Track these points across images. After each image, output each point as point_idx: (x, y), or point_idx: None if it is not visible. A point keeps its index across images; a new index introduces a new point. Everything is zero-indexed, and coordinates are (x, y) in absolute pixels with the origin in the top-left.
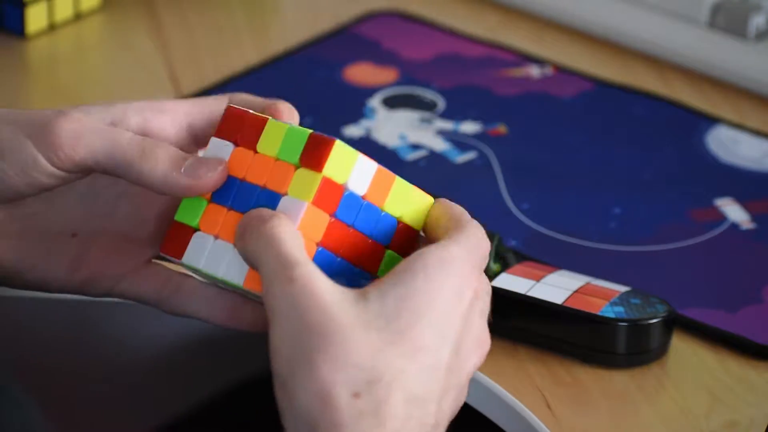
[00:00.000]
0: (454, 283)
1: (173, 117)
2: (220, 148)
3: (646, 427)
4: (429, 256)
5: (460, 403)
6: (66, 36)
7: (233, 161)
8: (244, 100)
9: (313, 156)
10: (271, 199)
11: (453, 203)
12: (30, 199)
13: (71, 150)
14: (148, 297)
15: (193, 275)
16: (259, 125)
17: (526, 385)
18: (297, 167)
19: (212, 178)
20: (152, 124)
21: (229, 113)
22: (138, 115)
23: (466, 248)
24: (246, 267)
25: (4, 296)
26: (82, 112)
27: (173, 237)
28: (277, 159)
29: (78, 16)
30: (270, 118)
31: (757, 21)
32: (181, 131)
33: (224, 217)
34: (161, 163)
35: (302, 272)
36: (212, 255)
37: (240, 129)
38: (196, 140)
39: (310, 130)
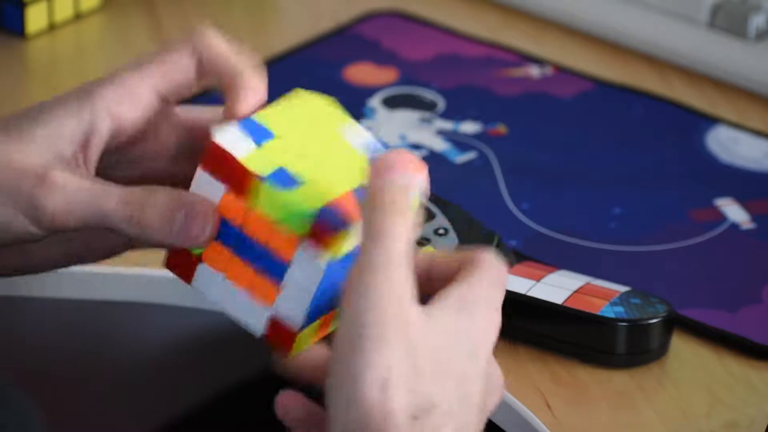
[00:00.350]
0: (490, 323)
1: (140, 100)
2: (208, 184)
3: (646, 427)
4: (479, 290)
5: None
6: (66, 36)
7: (225, 204)
8: (213, 52)
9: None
10: (275, 265)
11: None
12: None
13: (61, 223)
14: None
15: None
16: (243, 179)
17: (526, 385)
18: (301, 238)
19: (205, 238)
20: (122, 121)
21: (212, 149)
22: (106, 118)
23: (500, 288)
24: (264, 314)
25: (4, 296)
26: (52, 135)
27: (176, 255)
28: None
29: (78, 16)
30: (256, 176)
31: (757, 21)
32: (151, 108)
33: (228, 258)
34: (149, 227)
35: (398, 273)
36: (223, 292)
37: (225, 172)
38: (168, 102)
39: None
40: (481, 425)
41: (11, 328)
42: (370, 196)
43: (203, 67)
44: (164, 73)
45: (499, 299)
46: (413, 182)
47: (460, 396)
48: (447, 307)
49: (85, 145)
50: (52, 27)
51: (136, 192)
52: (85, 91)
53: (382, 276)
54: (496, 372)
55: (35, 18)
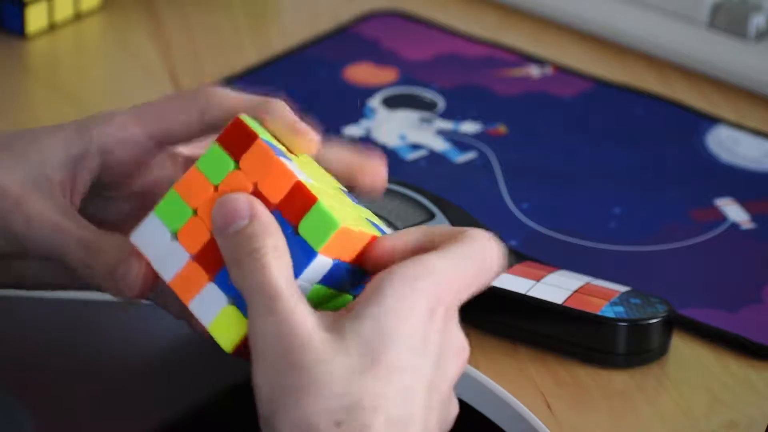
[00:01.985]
0: (426, 301)
1: (133, 141)
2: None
3: (646, 427)
4: (395, 273)
5: (451, 416)
6: (66, 36)
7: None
8: (224, 99)
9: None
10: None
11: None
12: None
13: (30, 249)
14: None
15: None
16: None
17: (526, 385)
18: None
19: (139, 286)
20: (113, 159)
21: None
22: (97, 154)
23: (452, 258)
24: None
25: (3, 296)
26: (42, 160)
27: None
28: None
29: (78, 16)
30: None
31: (757, 21)
32: (144, 150)
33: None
34: (97, 274)
35: (283, 306)
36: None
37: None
38: (163, 146)
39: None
40: (442, 404)
41: (10, 327)
42: (225, 258)
43: (206, 123)
44: (161, 119)
45: (466, 271)
46: (237, 223)
47: (395, 386)
48: (375, 294)
49: (73, 176)
50: (52, 27)
51: (92, 234)
52: (80, 125)
53: (270, 324)
54: (452, 339)
55: (35, 18)
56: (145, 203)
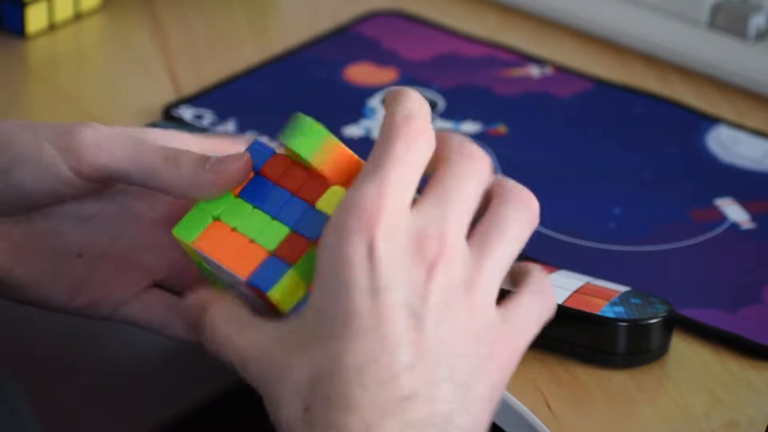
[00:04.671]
0: (342, 239)
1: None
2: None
3: (646, 427)
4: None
5: (504, 376)
6: (66, 36)
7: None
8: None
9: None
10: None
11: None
12: (41, 219)
13: (94, 157)
14: (148, 323)
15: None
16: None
17: (526, 385)
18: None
19: (238, 168)
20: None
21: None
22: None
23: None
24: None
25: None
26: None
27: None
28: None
29: (78, 16)
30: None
31: (757, 21)
32: None
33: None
34: (184, 166)
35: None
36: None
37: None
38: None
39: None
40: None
41: (9, 327)
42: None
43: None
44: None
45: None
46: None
47: (355, 342)
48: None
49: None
50: (52, 27)
51: (168, 149)
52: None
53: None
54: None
55: (35, 18)
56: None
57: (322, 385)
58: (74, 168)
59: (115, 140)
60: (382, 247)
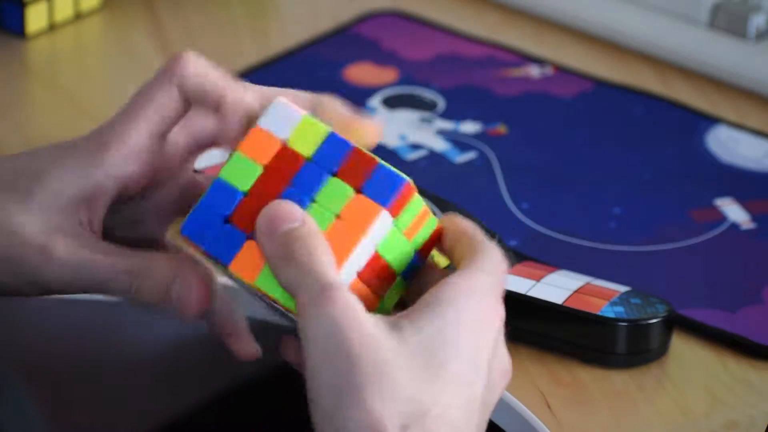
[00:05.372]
0: (484, 314)
1: (141, 152)
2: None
3: (646, 427)
4: (458, 286)
5: None
6: (66, 36)
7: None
8: (193, 80)
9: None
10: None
11: (462, 219)
12: None
13: (60, 291)
14: None
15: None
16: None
17: (526, 385)
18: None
19: (198, 310)
20: (128, 179)
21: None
22: (113, 178)
23: (492, 275)
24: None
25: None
26: (56, 197)
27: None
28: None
29: (78, 16)
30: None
31: (757, 21)
32: (151, 154)
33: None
34: (148, 299)
35: (341, 295)
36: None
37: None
38: (163, 137)
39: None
40: (484, 420)
41: (11, 327)
42: (271, 258)
43: (186, 94)
44: (153, 113)
45: (500, 288)
46: (290, 222)
47: (459, 397)
48: (438, 305)
49: (90, 206)
50: (52, 27)
51: (136, 260)
52: (87, 150)
53: (326, 315)
54: (501, 359)
55: (35, 18)
56: (158, 224)
57: (426, 421)
58: (39, 293)
59: (81, 276)
60: None
